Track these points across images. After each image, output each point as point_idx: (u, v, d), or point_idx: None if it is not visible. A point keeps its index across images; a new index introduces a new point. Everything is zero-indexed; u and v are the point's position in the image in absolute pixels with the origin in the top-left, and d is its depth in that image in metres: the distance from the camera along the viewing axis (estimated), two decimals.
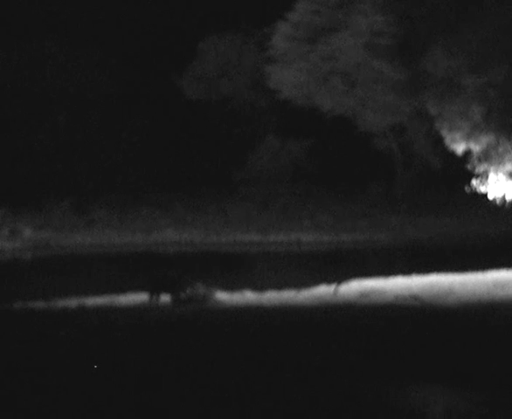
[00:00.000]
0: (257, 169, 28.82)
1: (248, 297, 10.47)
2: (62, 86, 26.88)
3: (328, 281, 11.32)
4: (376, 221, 23.94)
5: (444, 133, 14.63)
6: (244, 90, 31.50)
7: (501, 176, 13.46)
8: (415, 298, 9.42)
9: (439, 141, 19.26)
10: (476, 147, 13.57)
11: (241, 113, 31.73)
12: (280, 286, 11.44)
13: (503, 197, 13.74)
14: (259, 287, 11.35)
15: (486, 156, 13.53)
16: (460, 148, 13.95)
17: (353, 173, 29.16)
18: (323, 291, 10.78)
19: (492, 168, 13.49)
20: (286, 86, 26.54)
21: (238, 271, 16.71)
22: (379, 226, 23.57)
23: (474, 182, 13.94)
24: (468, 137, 13.55)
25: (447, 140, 14.56)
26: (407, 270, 12.97)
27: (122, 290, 10.98)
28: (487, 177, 13.62)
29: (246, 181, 28.89)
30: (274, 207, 26.42)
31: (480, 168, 13.69)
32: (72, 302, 9.69)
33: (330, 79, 25.68)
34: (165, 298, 9.96)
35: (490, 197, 13.90)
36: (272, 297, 10.44)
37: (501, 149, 13.37)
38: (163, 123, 31.17)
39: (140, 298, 10.25)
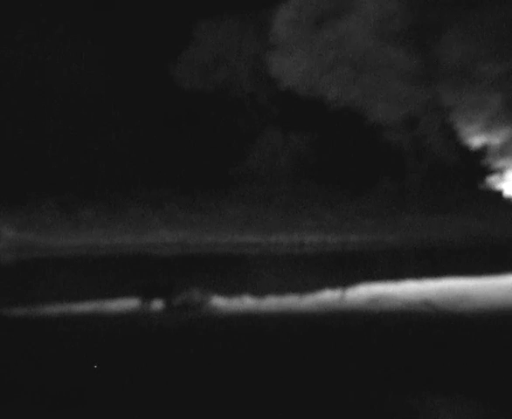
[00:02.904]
0: (256, 165, 28.77)
1: (247, 303, 10.57)
2: (45, 77, 26.75)
3: (334, 286, 11.37)
4: (385, 220, 23.92)
5: (459, 125, 14.59)
6: (243, 79, 31.42)
7: None
8: (427, 304, 9.49)
9: (453, 135, 19.24)
10: (494, 141, 13.53)
11: (240, 103, 31.66)
12: (281, 291, 11.48)
13: None
14: (259, 292, 11.39)
15: (504, 151, 13.50)
16: (476, 142, 13.92)
17: (361, 169, 29.14)
18: (328, 296, 10.87)
19: (511, 164, 13.44)
20: (288, 75, 26.45)
21: (236, 274, 16.67)
22: (389, 226, 23.54)
23: (491, 178, 13.91)
24: (485, 130, 13.53)
25: (463, 134, 14.51)
26: (419, 273, 13.02)
27: (111, 295, 11.03)
28: (505, 173, 13.59)
29: (245, 177, 28.85)
30: (275, 205, 26.38)
31: (497, 164, 13.66)
32: (57, 309, 9.74)
33: (336, 67, 25.62)
34: (157, 304, 10.02)
35: (508, 195, 13.87)
36: (272, 303, 10.53)
37: None
38: (156, 114, 31.08)
39: (130, 304, 10.27)
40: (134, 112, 29.87)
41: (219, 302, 10.44)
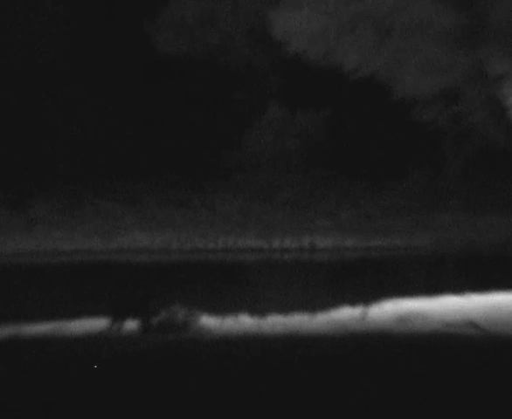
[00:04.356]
0: (256, 150, 28.77)
1: (245, 323, 10.46)
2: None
3: (353, 301, 11.32)
4: (417, 220, 23.95)
5: (510, 100, 14.44)
6: (238, 43, 31.41)
7: None
8: (472, 324, 9.48)
9: (502, 111, 19.17)
10: None
11: (235, 74, 31.64)
12: (287, 308, 11.53)
13: None
14: (260, 310, 11.46)
15: None
16: None
17: (386, 155, 29.11)
18: (346, 314, 10.81)
19: None
20: (296, 37, 26.44)
21: (230, 287, 16.45)
22: (422, 227, 23.59)
23: None
24: None
25: None
26: (461, 286, 13.02)
27: (73, 314, 10.98)
28: None
29: (242, 166, 28.88)
30: (280, 201, 26.40)
31: None
32: (5, 331, 9.70)
33: (356, 28, 25.60)
34: (131, 324, 10.01)
35: None
36: (276, 323, 10.44)
37: None
38: (130, 86, 31.05)
39: (97, 324, 10.18)
40: (105, 83, 29.83)
41: (209, 322, 10.40)
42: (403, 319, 10.31)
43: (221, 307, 11.48)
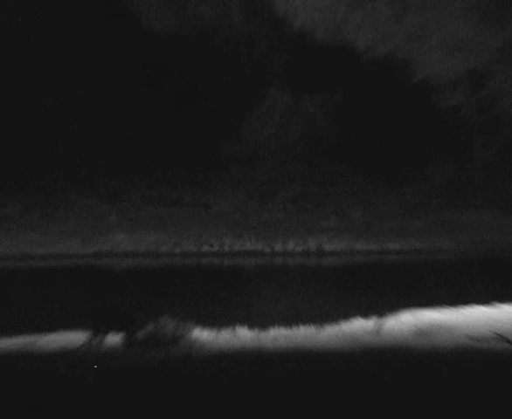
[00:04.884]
0: (256, 141, 28.60)
1: (243, 337, 10.38)
2: None
3: (367, 312, 11.26)
4: (438, 219, 23.87)
5: None
6: (235, 19, 31.26)
7: None
8: (501, 338, 9.46)
9: None
10: None
11: (232, 55, 31.52)
12: (291, 320, 11.35)
13: None
14: (260, 322, 11.29)
15: None
16: None
17: (404, 147, 28.93)
18: (359, 327, 10.78)
19: None
20: (301, 12, 26.33)
21: (227, 296, 16.43)
22: (444, 227, 23.51)
23: None
24: None
25: None
26: (488, 295, 12.99)
27: (48, 327, 10.90)
28: None
29: (241, 158, 28.69)
30: (283, 198, 26.29)
31: None
32: None
33: (371, 0, 25.50)
34: (114, 338, 9.90)
35: None
36: (279, 336, 10.36)
37: None
38: (114, 68, 30.90)
39: (75, 339, 10.12)
40: (85, 67, 29.70)
41: (203, 336, 10.32)
42: (423, 332, 10.33)
43: (216, 319, 11.40)
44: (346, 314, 11.59)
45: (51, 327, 11.15)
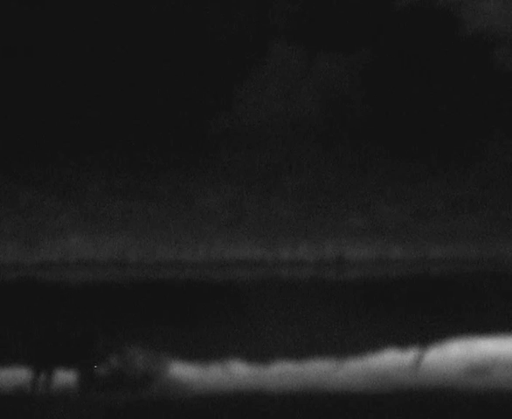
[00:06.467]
0: (255, 115, 26.94)
1: (237, 374, 9.35)
2: None
3: (401, 341, 10.42)
4: (499, 217, 22.82)
5: None
6: None
7: None
8: None
9: None
10: None
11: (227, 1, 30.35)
12: (300, 351, 10.47)
13: None
14: (260, 353, 10.42)
15: None
16: None
17: (450, 121, 27.37)
18: (391, 361, 9.89)
19: None
20: None
21: (216, 320, 15.68)
22: (506, 228, 22.76)
23: None
24: None
25: None
26: None
27: None
28: None
29: (234, 138, 27.16)
30: (289, 191, 24.95)
31: None
32: None
33: None
34: (65, 377, 8.75)
35: None
36: (285, 373, 9.28)
37: None
38: (74, 27, 29.37)
39: (13, 377, 8.87)
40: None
41: (185, 372, 9.17)
42: (476, 368, 9.15)
43: (202, 350, 10.37)
44: (374, 345, 10.56)
45: None
